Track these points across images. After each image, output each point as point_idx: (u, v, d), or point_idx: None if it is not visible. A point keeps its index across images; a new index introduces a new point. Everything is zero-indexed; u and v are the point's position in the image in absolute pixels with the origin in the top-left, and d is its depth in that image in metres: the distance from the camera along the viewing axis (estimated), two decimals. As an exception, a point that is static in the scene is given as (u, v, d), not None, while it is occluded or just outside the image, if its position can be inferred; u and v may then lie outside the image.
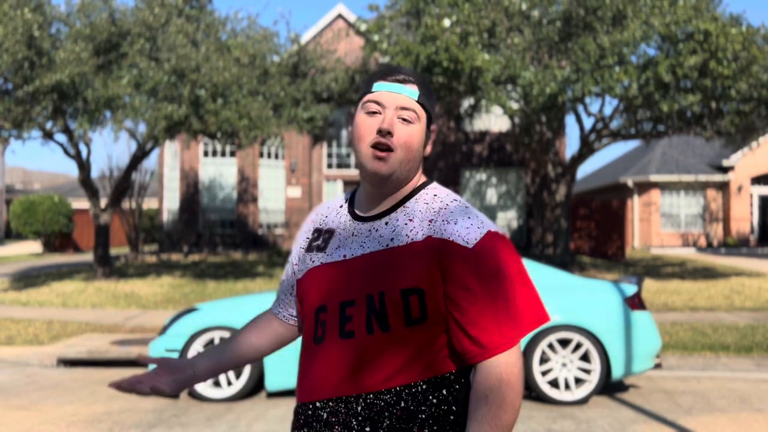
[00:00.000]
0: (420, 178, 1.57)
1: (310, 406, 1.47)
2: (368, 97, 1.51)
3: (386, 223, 1.51)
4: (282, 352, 6.07)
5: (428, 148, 1.56)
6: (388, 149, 1.46)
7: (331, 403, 1.44)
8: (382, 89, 1.49)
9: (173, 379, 1.65)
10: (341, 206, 1.63)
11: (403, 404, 1.41)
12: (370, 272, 1.46)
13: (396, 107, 1.48)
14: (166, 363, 1.67)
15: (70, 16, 13.50)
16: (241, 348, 1.71)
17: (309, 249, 1.61)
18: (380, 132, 1.46)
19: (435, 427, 1.41)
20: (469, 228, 1.43)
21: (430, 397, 1.42)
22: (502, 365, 1.37)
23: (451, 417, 1.42)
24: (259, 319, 1.76)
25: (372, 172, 1.47)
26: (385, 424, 1.40)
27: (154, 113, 12.79)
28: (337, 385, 1.43)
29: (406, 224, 1.49)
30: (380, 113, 1.49)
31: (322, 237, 1.60)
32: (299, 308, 1.63)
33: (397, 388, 1.41)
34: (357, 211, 1.58)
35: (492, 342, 1.38)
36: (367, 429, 1.40)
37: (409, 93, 1.49)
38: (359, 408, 1.42)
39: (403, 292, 1.41)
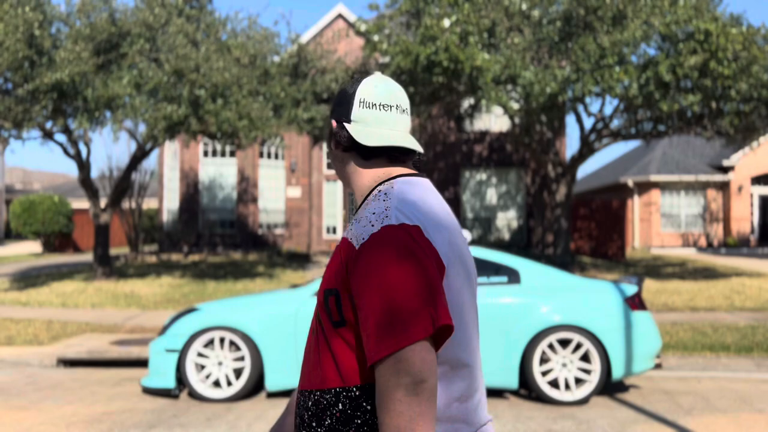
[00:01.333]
0: (380, 183, 1.49)
1: (297, 394, 1.53)
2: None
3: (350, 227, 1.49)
4: (282, 352, 6.07)
5: (333, 146, 1.56)
6: None
7: (299, 395, 1.48)
8: None
9: None
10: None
11: (341, 406, 1.37)
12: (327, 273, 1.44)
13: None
14: None
15: (71, 16, 13.50)
16: None
17: None
18: None
19: None
20: (365, 227, 1.36)
21: (364, 404, 1.36)
22: (383, 375, 1.27)
23: None
24: None
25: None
26: (326, 422, 1.39)
27: (153, 113, 12.78)
28: (301, 378, 1.47)
29: (351, 226, 1.45)
30: None
31: None
32: None
33: (336, 390, 1.37)
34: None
35: (372, 349, 1.28)
36: (314, 424, 1.40)
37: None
38: (309, 403, 1.42)
39: (326, 292, 1.38)
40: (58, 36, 13.41)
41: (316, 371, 1.40)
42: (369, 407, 1.36)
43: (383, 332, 1.26)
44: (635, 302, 6.20)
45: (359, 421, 1.36)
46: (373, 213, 1.38)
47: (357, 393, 1.36)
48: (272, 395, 6.26)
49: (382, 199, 1.41)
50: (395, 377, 1.26)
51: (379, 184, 1.48)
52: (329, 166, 23.37)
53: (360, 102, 1.49)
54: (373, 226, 1.35)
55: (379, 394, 1.28)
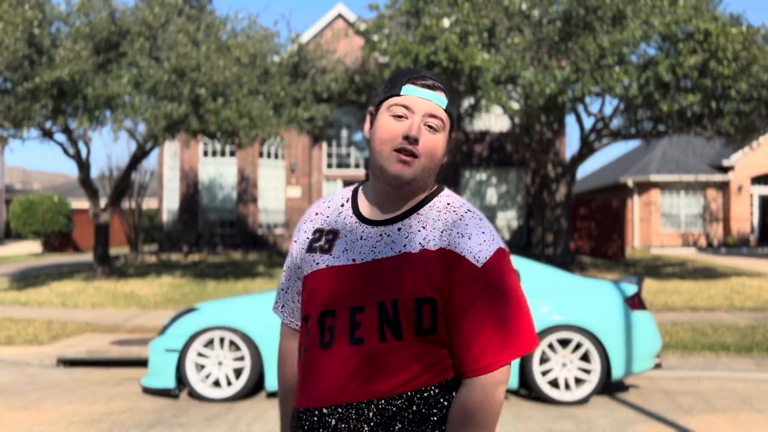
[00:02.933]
0: (433, 185, 1.56)
1: (316, 413, 1.44)
2: (396, 100, 1.47)
3: (399, 229, 1.49)
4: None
5: (446, 156, 1.54)
6: (413, 155, 1.45)
7: (340, 410, 1.42)
8: (411, 93, 1.47)
9: None
10: (342, 205, 1.59)
11: (415, 408, 1.42)
12: (381, 279, 1.44)
13: (424, 114, 1.46)
14: None
15: (70, 15, 13.50)
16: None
17: (310, 249, 1.57)
18: (407, 138, 1.44)
19: (444, 427, 1.43)
20: (481, 245, 1.44)
21: (441, 400, 1.43)
22: (489, 384, 1.39)
23: None
24: (286, 353, 1.67)
25: (393, 174, 1.45)
26: (396, 427, 1.41)
27: (153, 112, 12.78)
28: (347, 392, 1.42)
29: (419, 231, 1.47)
30: (407, 118, 1.46)
31: (325, 237, 1.55)
32: (302, 314, 1.57)
33: (409, 393, 1.41)
34: (363, 213, 1.54)
35: (484, 361, 1.39)
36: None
37: (438, 100, 1.47)
38: (371, 414, 1.41)
39: (417, 301, 1.41)
40: (58, 35, 13.40)
41: (379, 380, 1.41)
42: (445, 402, 1.44)
43: (503, 344, 1.40)
44: (635, 302, 6.20)
45: (435, 419, 1.43)
46: (483, 231, 1.46)
47: (436, 391, 1.44)
48: (272, 395, 6.26)
49: (468, 209, 1.51)
50: (501, 385, 1.40)
51: (436, 186, 1.59)
52: (329, 166, 23.38)
53: None
54: (489, 245, 1.45)
55: (482, 400, 1.39)
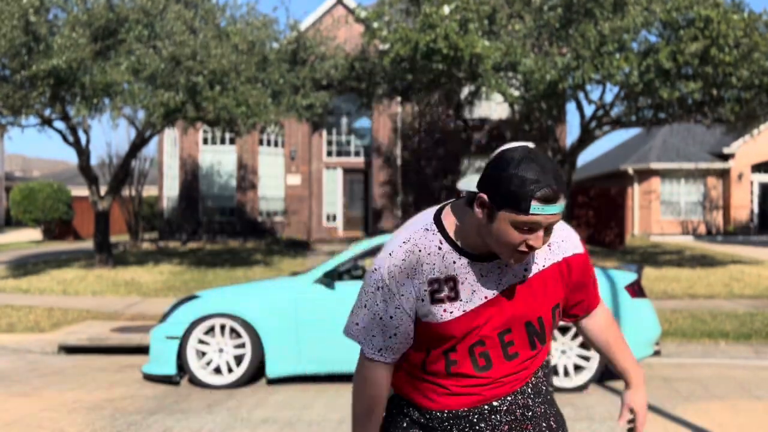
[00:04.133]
0: None
1: (486, 407, 1.74)
2: (522, 219, 1.52)
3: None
4: (283, 339, 6.09)
5: None
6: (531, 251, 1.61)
7: (475, 410, 1.73)
8: (538, 212, 1.52)
9: None
10: (440, 248, 1.66)
11: (541, 372, 1.85)
12: (518, 303, 1.68)
13: (547, 225, 1.56)
14: None
15: (68, 2, 13.42)
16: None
17: (436, 301, 1.66)
18: (531, 248, 1.57)
19: (550, 393, 1.87)
20: (574, 238, 1.79)
21: (540, 374, 1.85)
22: (604, 309, 1.93)
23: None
24: (380, 380, 1.78)
25: (510, 262, 1.61)
26: (543, 398, 1.81)
27: (152, 100, 12.74)
28: (510, 390, 1.75)
29: (531, 255, 1.70)
30: (531, 231, 1.56)
31: (447, 286, 1.65)
32: (434, 348, 1.72)
33: (542, 367, 1.86)
34: (470, 251, 1.67)
35: (595, 299, 1.89)
36: (538, 400, 1.79)
37: (560, 209, 1.56)
38: (529, 389, 1.77)
39: (552, 309, 1.74)
40: (56, 22, 13.33)
41: (531, 373, 1.77)
42: (543, 377, 1.86)
43: (597, 289, 1.90)
44: (635, 289, 6.21)
45: (547, 370, 1.97)
46: (563, 229, 1.80)
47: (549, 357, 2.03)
48: (272, 382, 6.29)
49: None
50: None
51: None
52: (329, 154, 23.34)
53: None
54: (575, 236, 1.82)
55: (609, 313, 1.92)
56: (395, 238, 1.69)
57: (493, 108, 22.45)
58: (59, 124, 14.75)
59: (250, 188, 22.68)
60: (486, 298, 1.65)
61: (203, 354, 6.22)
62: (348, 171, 23.44)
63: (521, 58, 13.39)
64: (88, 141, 14.96)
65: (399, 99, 18.07)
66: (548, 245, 1.72)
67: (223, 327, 6.17)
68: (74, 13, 13.06)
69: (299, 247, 19.48)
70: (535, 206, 1.50)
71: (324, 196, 23.25)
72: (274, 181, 23.01)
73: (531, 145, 1.60)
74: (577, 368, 6.05)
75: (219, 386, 6.10)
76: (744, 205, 25.83)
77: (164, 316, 6.37)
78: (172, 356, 6.14)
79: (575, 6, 13.70)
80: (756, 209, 26.27)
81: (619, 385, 6.25)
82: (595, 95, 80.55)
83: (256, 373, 6.24)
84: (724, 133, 17.08)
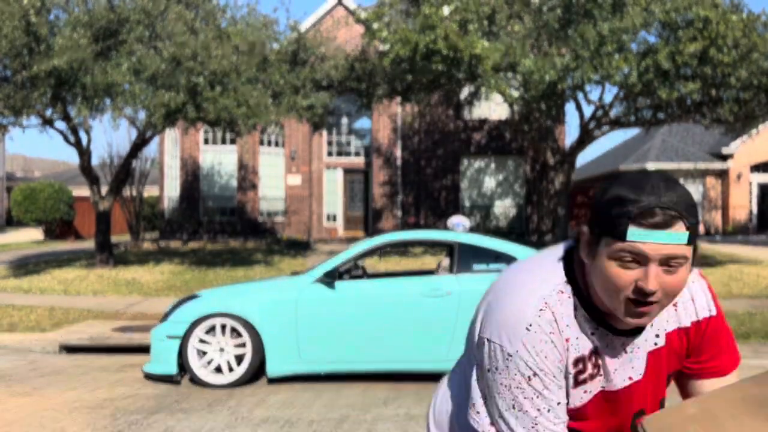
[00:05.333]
0: None
1: None
2: (620, 246, 1.19)
3: (651, 325, 1.39)
4: (283, 338, 6.13)
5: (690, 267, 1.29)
6: (650, 304, 1.22)
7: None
8: (641, 240, 1.18)
9: None
10: (575, 314, 1.31)
11: None
12: (653, 382, 1.42)
13: (660, 259, 1.19)
14: None
15: (69, 3, 13.45)
16: None
17: (578, 383, 1.33)
18: (644, 293, 1.20)
19: None
20: (703, 298, 1.42)
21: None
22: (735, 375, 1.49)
23: None
24: None
25: (631, 324, 1.26)
26: None
27: (153, 101, 12.78)
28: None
29: (661, 315, 1.40)
30: (639, 265, 1.20)
31: (590, 363, 1.32)
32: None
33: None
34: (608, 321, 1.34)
35: (735, 361, 1.47)
36: None
37: (678, 239, 1.18)
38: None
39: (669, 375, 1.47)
40: (56, 23, 13.36)
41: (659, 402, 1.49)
42: None
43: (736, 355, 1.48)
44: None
45: None
46: (693, 284, 1.45)
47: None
48: (273, 381, 6.33)
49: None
50: None
51: None
52: (329, 154, 23.38)
53: None
54: (707, 294, 1.45)
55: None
56: (521, 296, 1.29)
57: (493, 108, 22.48)
58: (60, 125, 14.83)
59: (251, 188, 22.72)
60: (630, 378, 1.34)
61: (204, 353, 6.25)
62: (348, 171, 23.48)
63: (521, 59, 13.43)
64: (89, 141, 15.00)
65: (399, 99, 18.10)
66: (674, 305, 1.36)
67: (223, 326, 6.21)
68: (75, 14, 13.09)
69: (299, 247, 19.52)
70: (634, 231, 1.18)
71: (324, 196, 23.28)
72: (274, 181, 23.05)
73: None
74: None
75: (219, 385, 6.14)
76: (743, 205, 25.86)
77: (165, 316, 6.41)
78: (173, 355, 6.18)
79: (574, 7, 13.74)
80: (755, 209, 26.30)
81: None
82: (594, 96, 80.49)
83: (256, 372, 6.27)
84: (723, 133, 17.11)
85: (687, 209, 1.19)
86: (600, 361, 1.32)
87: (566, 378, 1.31)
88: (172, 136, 22.65)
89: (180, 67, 12.89)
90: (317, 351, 6.13)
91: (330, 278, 6.17)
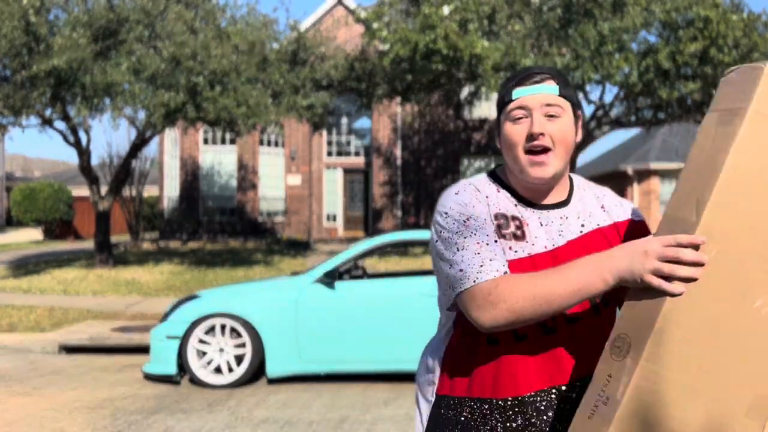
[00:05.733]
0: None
1: (517, 400, 1.48)
2: (510, 106, 1.50)
3: (571, 210, 1.56)
4: (283, 338, 6.12)
5: (579, 135, 1.56)
6: (545, 150, 1.47)
7: (542, 394, 1.48)
8: (522, 94, 1.49)
9: None
10: (498, 192, 1.55)
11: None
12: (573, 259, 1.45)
13: (540, 106, 1.48)
14: None
15: (69, 3, 13.45)
16: None
17: (501, 236, 1.48)
18: (531, 136, 1.46)
19: None
20: (631, 207, 1.64)
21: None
22: None
23: None
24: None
25: (535, 178, 1.48)
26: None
27: (152, 101, 12.77)
28: (549, 378, 1.48)
29: (585, 209, 1.58)
30: (526, 117, 1.48)
31: (513, 224, 1.51)
32: None
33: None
34: (529, 199, 1.54)
35: None
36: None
37: (549, 90, 1.49)
38: (574, 395, 1.49)
39: None
40: (56, 23, 13.35)
41: (577, 364, 1.49)
42: None
43: None
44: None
45: None
46: (621, 198, 1.67)
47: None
48: (273, 381, 6.32)
49: (599, 186, 1.68)
50: None
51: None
52: (329, 154, 23.37)
53: None
54: (632, 205, 1.66)
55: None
56: (451, 189, 1.56)
57: (493, 108, 22.49)
58: (60, 125, 14.78)
59: (251, 188, 22.71)
60: (545, 247, 1.49)
61: (204, 354, 6.24)
62: (348, 171, 23.47)
63: (521, 59, 13.42)
64: (88, 141, 14.99)
65: (399, 99, 18.11)
66: (602, 207, 1.58)
67: (223, 327, 6.20)
68: (75, 14, 13.09)
69: (299, 247, 19.51)
70: (517, 90, 1.49)
71: (324, 196, 23.28)
72: (274, 181, 23.04)
73: None
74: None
75: (219, 386, 6.13)
76: (744, 205, 25.82)
77: (165, 316, 6.40)
78: (173, 356, 6.17)
79: (575, 6, 13.74)
80: (756, 209, 26.27)
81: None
82: (594, 95, 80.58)
83: (256, 372, 6.26)
84: (724, 133, 17.06)
85: (557, 73, 1.53)
86: (523, 226, 1.51)
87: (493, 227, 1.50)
88: (171, 135, 22.64)
89: (180, 66, 12.89)
90: (317, 351, 6.12)
91: (330, 278, 6.16)
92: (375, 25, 14.06)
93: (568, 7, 13.85)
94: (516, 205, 1.53)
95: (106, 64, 13.00)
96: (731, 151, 1.26)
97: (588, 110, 33.25)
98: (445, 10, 13.27)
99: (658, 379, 1.27)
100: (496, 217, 1.50)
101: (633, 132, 33.54)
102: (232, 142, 22.57)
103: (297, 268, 14.65)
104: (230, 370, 6.19)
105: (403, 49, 13.06)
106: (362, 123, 23.33)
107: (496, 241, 1.46)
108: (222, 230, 22.47)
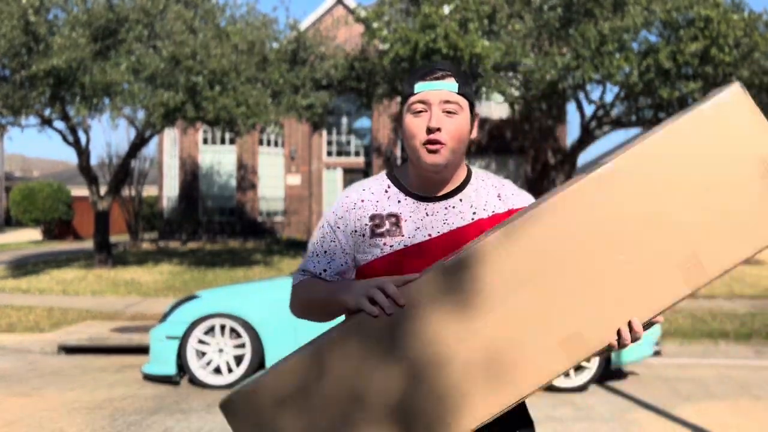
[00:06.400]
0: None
1: None
2: (412, 99, 1.62)
3: (461, 200, 1.67)
4: (283, 339, 6.09)
5: (474, 132, 1.69)
6: (439, 143, 1.59)
7: None
8: (424, 89, 1.60)
9: None
10: (386, 191, 1.69)
11: None
12: (461, 246, 1.59)
13: (439, 103, 1.59)
14: None
15: (68, 2, 13.41)
16: None
17: (375, 235, 1.65)
18: (429, 130, 1.58)
19: None
20: (529, 198, 1.73)
21: None
22: None
23: None
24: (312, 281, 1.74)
25: (429, 164, 1.60)
26: None
27: (152, 100, 12.74)
28: None
29: (480, 199, 1.69)
30: (426, 111, 1.60)
31: (388, 221, 1.66)
32: None
33: None
34: (417, 193, 1.68)
35: None
36: None
37: (449, 87, 1.60)
38: None
39: None
40: (55, 22, 13.32)
41: None
42: None
43: None
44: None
45: None
46: (519, 189, 1.77)
47: None
48: (273, 382, 6.29)
49: (500, 178, 1.78)
50: None
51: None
52: (329, 154, 23.34)
53: None
54: (530, 198, 1.74)
55: None
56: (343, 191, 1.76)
57: (493, 108, 22.45)
58: (59, 124, 14.78)
59: (250, 188, 22.69)
60: (430, 236, 1.63)
61: (203, 354, 6.21)
62: (348, 171, 23.45)
63: (521, 58, 13.39)
64: (87, 141, 14.96)
65: (399, 99, 18.08)
66: (498, 196, 1.70)
67: (223, 327, 6.17)
68: (74, 13, 13.05)
69: (299, 247, 19.48)
70: (420, 84, 1.60)
71: (324, 196, 23.25)
72: (274, 181, 23.01)
73: None
74: (578, 368, 6.05)
75: (219, 386, 6.10)
76: (744, 205, 25.83)
77: (164, 316, 6.37)
78: (172, 356, 6.14)
79: (575, 6, 13.71)
80: (756, 209, 26.28)
81: (619, 385, 6.25)
82: (595, 95, 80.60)
83: (256, 373, 6.24)
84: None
85: (458, 72, 1.63)
86: (400, 222, 1.65)
87: (364, 231, 1.66)
88: (171, 135, 22.61)
89: (179, 66, 12.86)
90: (317, 351, 6.09)
91: (330, 278, 6.14)
92: (375, 25, 14.03)
93: (569, 6, 13.82)
94: (400, 202, 1.67)
95: (105, 63, 12.96)
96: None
97: (588, 110, 33.17)
98: (446, 9, 13.24)
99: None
100: (372, 218, 1.66)
101: (633, 132, 33.53)
102: (232, 142, 22.54)
103: (297, 268, 14.62)
104: (230, 370, 6.16)
105: (403, 48, 13.03)
106: (362, 123, 23.30)
107: (326, 252, 1.68)
108: (221, 230, 22.44)
